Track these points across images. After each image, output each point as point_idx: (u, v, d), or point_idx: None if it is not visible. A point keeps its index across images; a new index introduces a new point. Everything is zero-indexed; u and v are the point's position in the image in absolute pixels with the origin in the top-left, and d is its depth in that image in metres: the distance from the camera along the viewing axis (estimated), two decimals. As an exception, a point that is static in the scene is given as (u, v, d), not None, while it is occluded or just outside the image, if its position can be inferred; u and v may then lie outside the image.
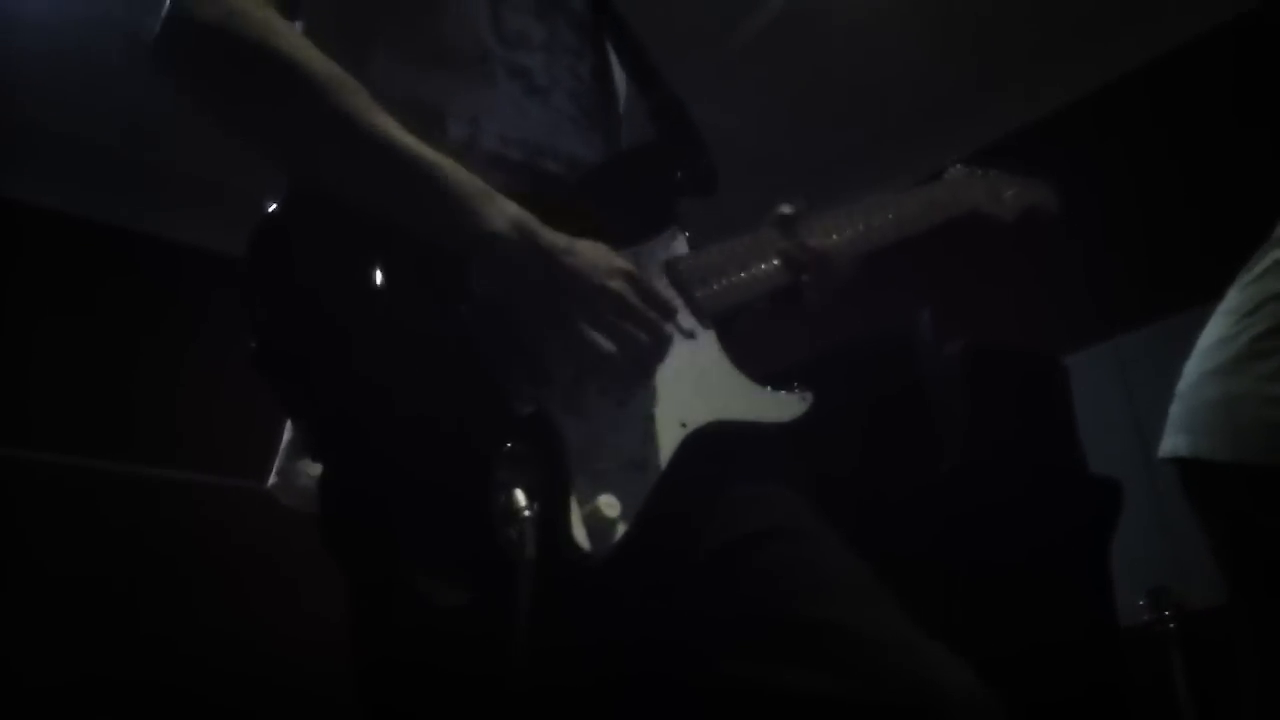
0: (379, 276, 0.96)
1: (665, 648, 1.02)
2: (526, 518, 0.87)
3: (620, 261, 1.05)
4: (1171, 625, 3.31)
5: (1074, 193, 4.26)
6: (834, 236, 1.29)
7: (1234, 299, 1.79)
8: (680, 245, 1.20)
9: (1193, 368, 1.81)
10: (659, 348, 1.05)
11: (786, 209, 1.29)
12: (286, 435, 1.16)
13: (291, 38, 1.02)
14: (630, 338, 1.02)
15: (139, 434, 4.96)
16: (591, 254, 1.03)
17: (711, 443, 1.08)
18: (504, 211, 1.01)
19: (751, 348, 1.22)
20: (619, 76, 1.34)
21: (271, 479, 1.15)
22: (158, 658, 4.52)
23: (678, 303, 1.13)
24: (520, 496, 0.88)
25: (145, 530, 4.78)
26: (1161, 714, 3.16)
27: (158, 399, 5.00)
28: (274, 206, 0.99)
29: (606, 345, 1.01)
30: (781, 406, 1.14)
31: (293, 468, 1.12)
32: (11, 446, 4.56)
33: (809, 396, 1.15)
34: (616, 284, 1.02)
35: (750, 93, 4.64)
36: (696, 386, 1.10)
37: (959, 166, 1.50)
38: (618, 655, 1.02)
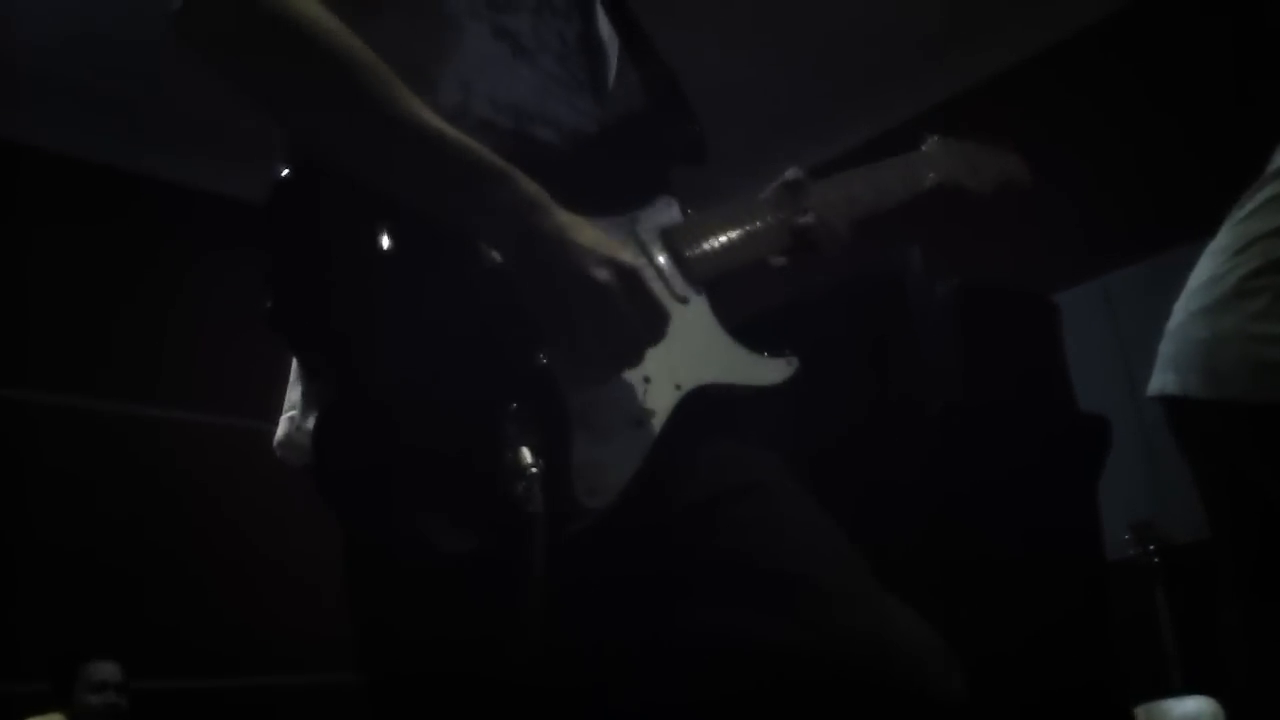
0: (390, 241, 0.99)
1: (647, 598, 1.06)
2: (534, 474, 0.91)
3: (616, 254, 1.03)
4: (1155, 559, 3.36)
5: (1067, 129, 4.24)
6: (826, 202, 1.33)
7: (1224, 237, 1.79)
8: (674, 213, 1.22)
9: (1182, 306, 1.82)
10: (636, 346, 1.04)
11: (796, 174, 1.32)
12: (291, 397, 1.17)
13: (312, 8, 1.02)
14: (609, 329, 1.02)
15: (134, 374, 4.96)
16: (590, 244, 1.02)
17: (704, 405, 1.11)
18: (510, 200, 1.01)
19: (739, 296, 1.26)
20: (609, 44, 1.34)
21: (278, 439, 1.16)
22: (154, 594, 4.58)
23: (672, 271, 1.16)
24: (527, 454, 0.92)
25: (141, 468, 4.81)
26: (1144, 646, 3.22)
27: (153, 339, 5.00)
28: (286, 170, 1.00)
29: (587, 328, 1.01)
30: (770, 371, 1.19)
31: (300, 430, 1.13)
32: (9, 386, 4.57)
33: (795, 362, 1.20)
34: (605, 276, 1.01)
35: (720, 34, 4.58)
36: (689, 349, 1.14)
37: (936, 139, 1.51)
38: (606, 609, 1.05)
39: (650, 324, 1.04)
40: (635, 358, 1.05)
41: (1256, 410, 1.66)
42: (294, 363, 1.18)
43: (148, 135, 4.96)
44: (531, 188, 1.02)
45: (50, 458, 4.59)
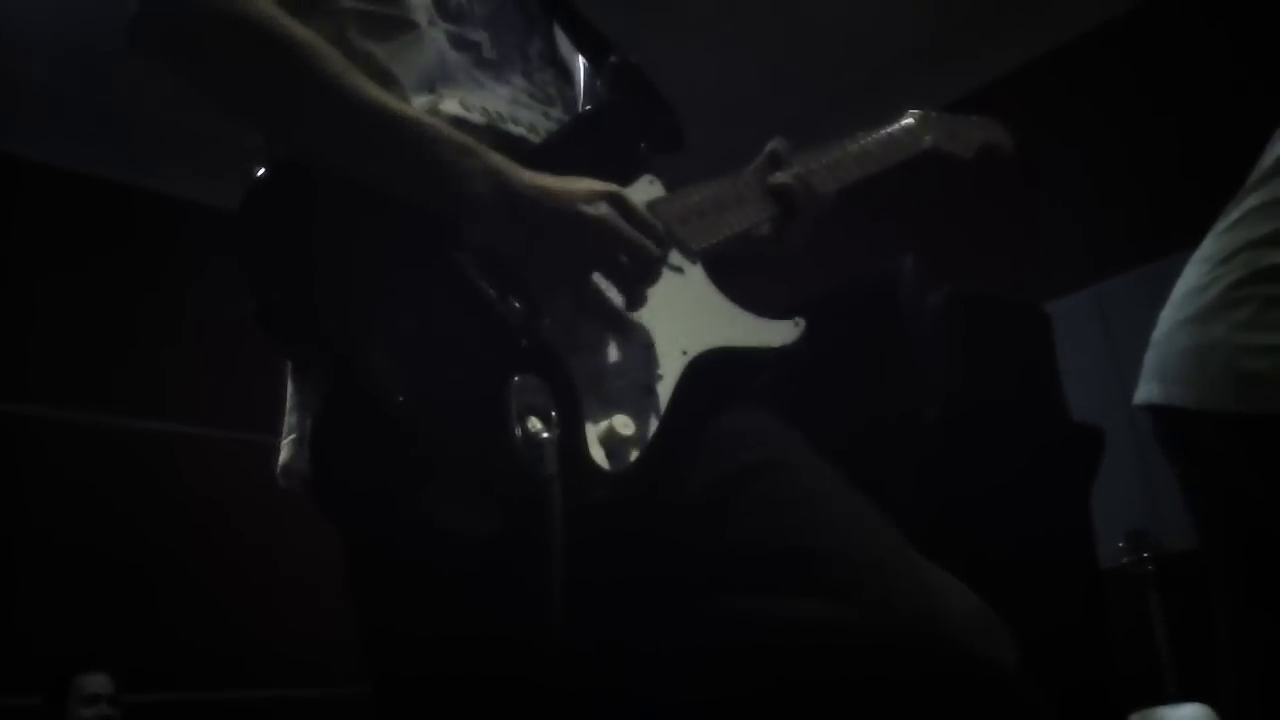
0: (373, 230, 0.99)
1: (672, 580, 1.04)
2: (545, 440, 0.90)
3: (602, 185, 1.06)
4: (1150, 567, 3.36)
5: (1058, 139, 4.25)
6: (808, 167, 1.34)
7: (1209, 246, 1.79)
8: (657, 189, 1.22)
9: (1167, 315, 1.82)
10: (648, 268, 1.07)
11: (778, 144, 1.33)
12: (290, 420, 1.16)
13: (268, 7, 1.04)
14: (618, 263, 1.04)
15: (140, 388, 4.97)
16: (570, 186, 1.05)
17: (713, 368, 1.11)
18: (480, 168, 1.02)
19: (735, 290, 1.24)
20: (572, 63, 1.35)
21: (283, 463, 1.15)
22: (156, 608, 4.58)
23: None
24: (537, 422, 0.91)
25: (147, 483, 4.81)
26: (1139, 653, 3.22)
27: (158, 354, 5.00)
28: (262, 170, 1.01)
29: (596, 274, 1.03)
30: (775, 332, 1.18)
31: (301, 452, 1.12)
32: (14, 401, 4.57)
33: (801, 321, 1.19)
34: (600, 209, 1.04)
35: (721, 42, 4.59)
36: (692, 316, 1.13)
37: (916, 111, 1.53)
38: (631, 585, 1.04)
39: (651, 240, 1.06)
40: (647, 284, 1.06)
41: (1241, 420, 1.66)
42: (289, 385, 1.17)
43: (153, 150, 4.98)
44: (496, 156, 1.04)
45: (56, 473, 4.59)
